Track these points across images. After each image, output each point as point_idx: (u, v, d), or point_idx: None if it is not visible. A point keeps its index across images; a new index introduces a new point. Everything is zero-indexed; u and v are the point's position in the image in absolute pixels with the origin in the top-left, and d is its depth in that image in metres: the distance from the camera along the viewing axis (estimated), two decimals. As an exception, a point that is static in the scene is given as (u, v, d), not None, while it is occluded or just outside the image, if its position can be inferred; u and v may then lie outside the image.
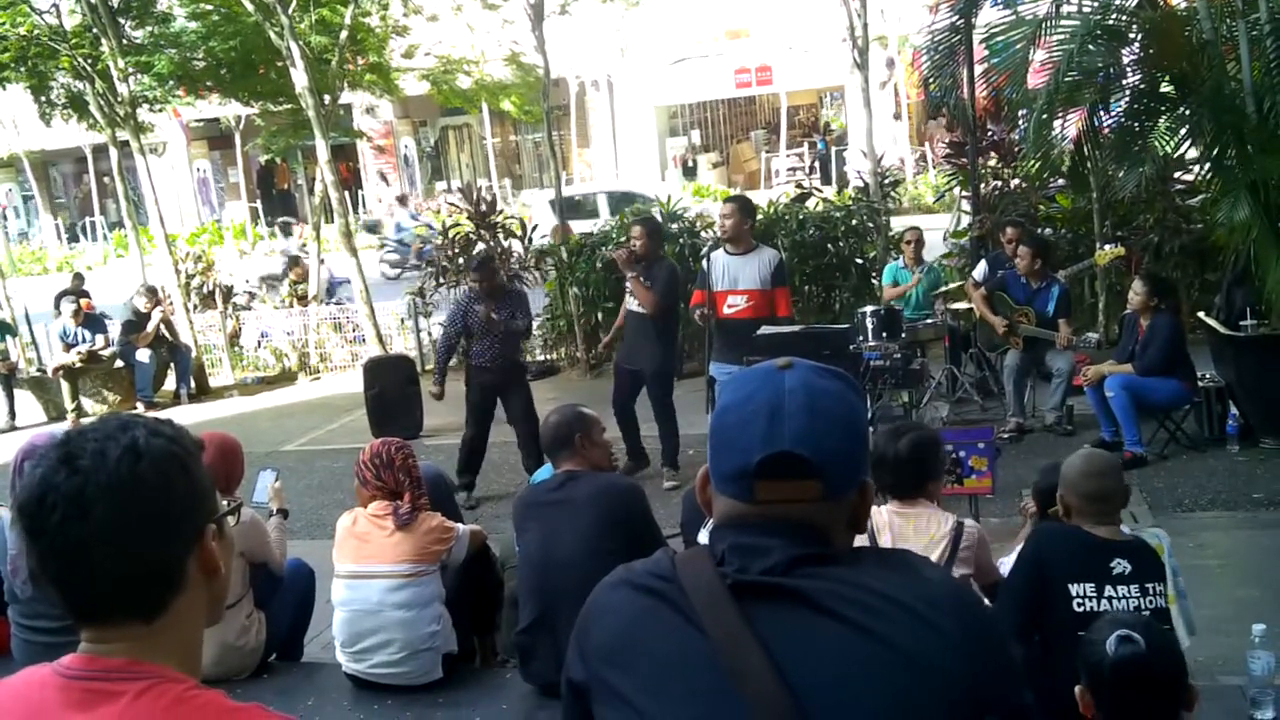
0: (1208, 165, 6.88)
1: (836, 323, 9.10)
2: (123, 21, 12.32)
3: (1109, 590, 2.91)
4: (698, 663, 1.23)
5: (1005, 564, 3.40)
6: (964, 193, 10.58)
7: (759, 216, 8.08)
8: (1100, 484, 3.04)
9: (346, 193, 14.93)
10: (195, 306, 12.74)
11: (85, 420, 5.09)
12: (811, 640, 1.21)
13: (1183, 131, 7.09)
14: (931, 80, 9.11)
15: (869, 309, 7.58)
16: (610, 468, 4.15)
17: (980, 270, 8.17)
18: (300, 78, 11.37)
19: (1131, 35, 7.18)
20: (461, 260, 11.16)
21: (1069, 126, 7.39)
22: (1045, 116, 7.02)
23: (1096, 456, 3.25)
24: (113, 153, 12.85)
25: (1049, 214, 9.93)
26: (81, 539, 1.15)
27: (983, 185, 9.93)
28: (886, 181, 11.09)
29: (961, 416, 7.82)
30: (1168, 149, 7.37)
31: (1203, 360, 7.14)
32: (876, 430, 3.79)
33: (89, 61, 11.91)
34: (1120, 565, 2.93)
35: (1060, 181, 9.32)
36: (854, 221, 10.35)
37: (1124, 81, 7.23)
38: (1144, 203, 9.13)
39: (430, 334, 11.52)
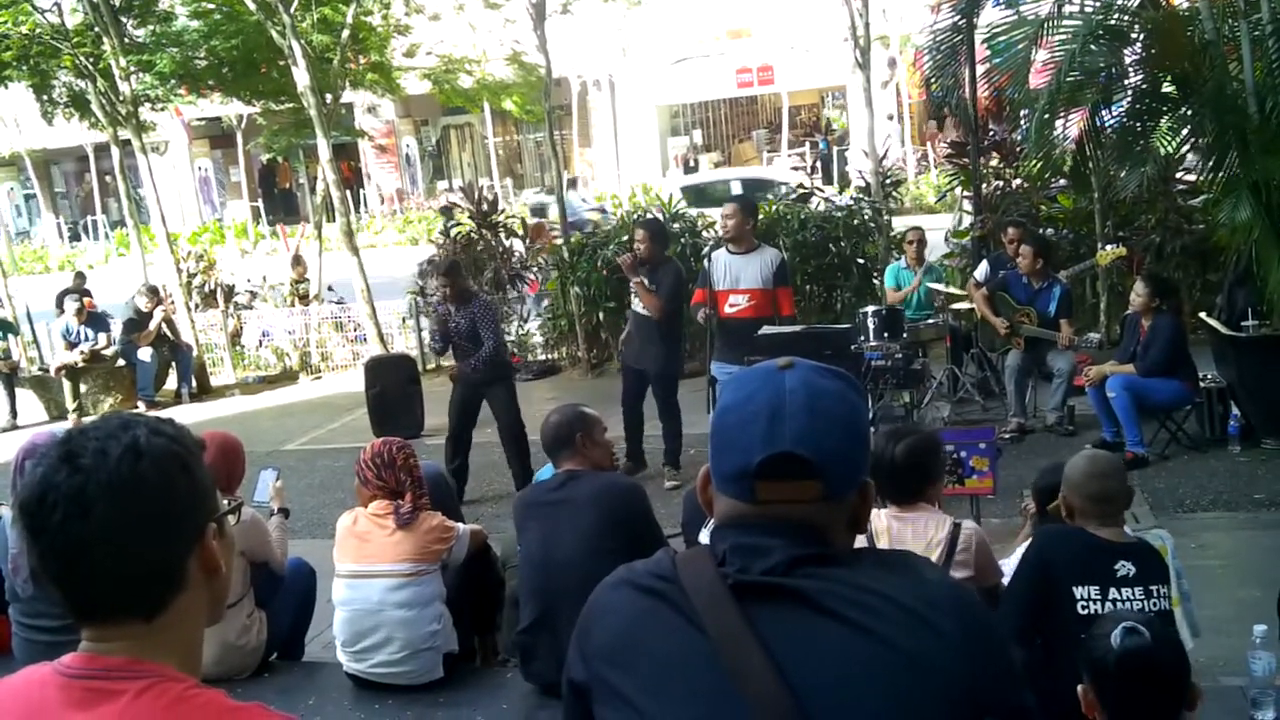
0: (1209, 165, 6.87)
1: (838, 322, 9.10)
2: (124, 20, 12.32)
3: (1114, 593, 2.89)
4: (699, 663, 1.23)
5: (1007, 565, 3.38)
6: (966, 193, 10.56)
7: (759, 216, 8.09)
8: (1104, 485, 3.02)
9: (348, 192, 14.93)
10: (197, 305, 12.74)
11: (87, 419, 5.09)
12: (812, 641, 1.21)
13: (1185, 132, 7.09)
14: (933, 80, 9.10)
15: (870, 309, 7.59)
16: (612, 467, 4.15)
17: (982, 270, 8.17)
18: (302, 77, 11.37)
19: (1133, 35, 7.18)
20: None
21: (1071, 126, 7.38)
22: (1047, 116, 7.01)
23: (1100, 458, 3.23)
24: (114, 151, 12.84)
25: (1050, 214, 9.92)
26: (82, 538, 1.15)
27: (984, 185, 9.91)
28: (888, 181, 11.09)
29: (963, 416, 7.81)
30: (1169, 149, 7.37)
31: (1204, 361, 7.13)
32: (878, 431, 3.78)
33: (91, 60, 11.93)
34: (1125, 568, 2.91)
35: (1062, 182, 9.32)
36: (855, 221, 10.35)
37: (1126, 81, 7.22)
38: (1146, 203, 9.12)
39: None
